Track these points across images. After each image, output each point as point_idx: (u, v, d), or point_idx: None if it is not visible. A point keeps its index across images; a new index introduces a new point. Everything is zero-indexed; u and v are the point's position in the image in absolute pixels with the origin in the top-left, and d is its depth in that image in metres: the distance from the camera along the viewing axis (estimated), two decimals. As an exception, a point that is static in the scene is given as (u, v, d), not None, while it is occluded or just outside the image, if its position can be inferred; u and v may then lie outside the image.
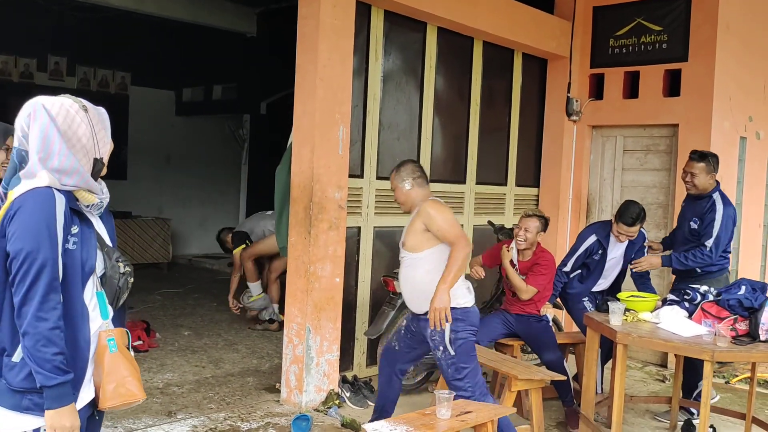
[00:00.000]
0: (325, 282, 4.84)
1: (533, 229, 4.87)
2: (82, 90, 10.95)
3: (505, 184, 6.84)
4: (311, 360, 4.79)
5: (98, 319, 2.19)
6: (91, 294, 2.18)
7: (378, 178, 5.53)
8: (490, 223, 6.05)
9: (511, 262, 4.91)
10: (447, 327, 3.71)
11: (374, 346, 5.29)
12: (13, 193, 2.05)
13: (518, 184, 6.99)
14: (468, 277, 5.27)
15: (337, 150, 4.87)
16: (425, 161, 5.91)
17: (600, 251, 5.08)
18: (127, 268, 2.31)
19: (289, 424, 4.49)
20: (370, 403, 4.94)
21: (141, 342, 6.17)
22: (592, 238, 5.09)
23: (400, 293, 4.92)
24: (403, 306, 5.02)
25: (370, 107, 5.42)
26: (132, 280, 2.32)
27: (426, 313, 3.76)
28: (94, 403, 2.19)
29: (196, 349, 6.32)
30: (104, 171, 2.28)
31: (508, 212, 6.84)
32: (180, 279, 10.10)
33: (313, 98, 4.75)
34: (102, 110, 2.26)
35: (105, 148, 2.24)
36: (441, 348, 3.77)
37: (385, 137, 5.58)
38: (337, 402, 4.87)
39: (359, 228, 5.44)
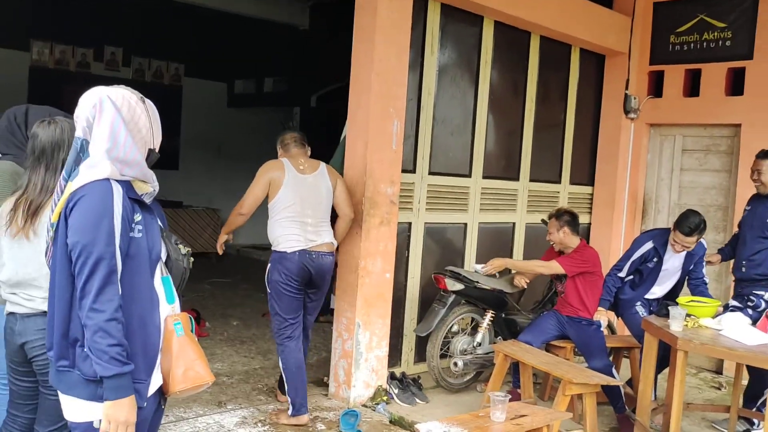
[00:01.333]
0: (375, 278, 4.81)
1: (553, 229, 4.82)
2: (137, 81, 11.14)
3: (559, 181, 6.71)
4: (360, 355, 4.77)
5: (165, 305, 2.19)
6: (159, 280, 2.19)
7: (430, 173, 5.47)
8: (543, 222, 5.92)
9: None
10: (269, 266, 4.35)
11: (422, 342, 5.24)
12: (72, 185, 2.05)
13: (572, 182, 6.84)
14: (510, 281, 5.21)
15: (390, 144, 4.82)
16: (478, 157, 5.83)
17: (655, 259, 4.92)
18: (187, 249, 2.32)
19: (337, 418, 4.47)
20: (418, 400, 4.90)
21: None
22: (649, 245, 4.93)
23: (452, 291, 4.88)
24: (454, 304, 4.97)
25: (424, 102, 5.36)
26: (191, 260, 2.34)
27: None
28: (161, 391, 2.20)
29: (244, 339, 6.36)
30: None
31: (561, 211, 6.70)
32: (229, 269, 10.20)
33: (368, 92, 4.71)
34: (151, 103, 2.27)
35: (158, 138, 2.25)
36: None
37: (439, 132, 5.52)
38: (385, 398, 4.84)
39: (410, 224, 5.39)
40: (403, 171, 5.11)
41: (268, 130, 12.27)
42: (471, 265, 5.40)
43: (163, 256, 2.23)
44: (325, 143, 7.59)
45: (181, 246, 2.31)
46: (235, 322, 6.98)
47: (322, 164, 4.45)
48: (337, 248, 4.70)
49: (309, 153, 4.52)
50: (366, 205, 4.73)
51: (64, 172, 2.16)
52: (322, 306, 6.77)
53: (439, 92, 5.49)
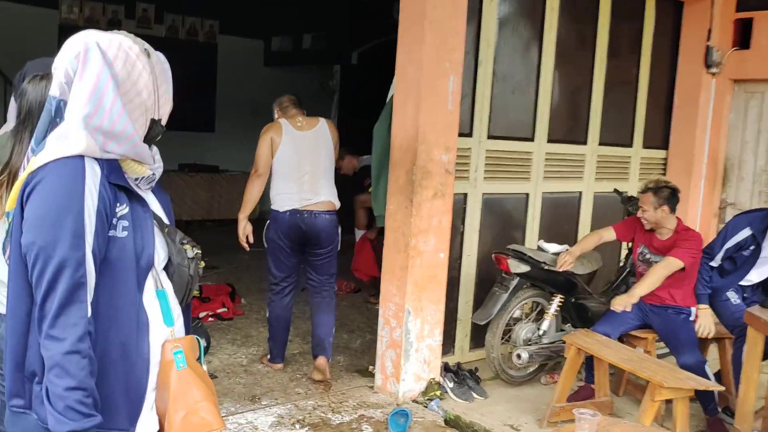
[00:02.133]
0: (427, 258, 4.22)
1: (648, 205, 4.09)
2: (170, 38, 10.63)
3: (630, 145, 5.97)
4: (410, 345, 4.21)
5: (161, 327, 1.64)
6: (152, 295, 1.64)
7: (489, 137, 4.82)
8: (616, 191, 5.26)
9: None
10: (267, 223, 4.44)
11: (479, 328, 4.65)
12: (35, 161, 1.50)
13: (645, 146, 6.10)
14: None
15: (445, 104, 4.18)
16: (543, 118, 5.14)
17: (752, 246, 4.21)
18: (196, 251, 1.76)
19: (384, 418, 3.94)
20: (475, 395, 4.34)
21: (225, 309, 5.76)
22: (746, 232, 4.20)
23: (515, 273, 4.28)
24: (518, 288, 4.37)
25: (482, 55, 4.68)
26: (203, 264, 1.78)
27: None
28: None
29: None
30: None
31: (633, 178, 5.98)
32: (267, 237, 9.68)
33: (420, 44, 4.06)
34: (163, 57, 1.68)
35: (166, 107, 1.66)
36: None
37: (499, 90, 4.84)
38: (438, 393, 4.29)
39: (465, 195, 4.76)
40: (459, 135, 4.46)
41: (307, 90, 11.69)
42: (537, 243, 4.77)
43: (160, 262, 1.67)
44: (368, 105, 6.97)
45: (188, 247, 1.73)
46: (272, 297, 6.48)
47: (322, 120, 4.51)
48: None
49: (305, 114, 4.56)
50: (417, 174, 4.11)
51: (32, 141, 1.60)
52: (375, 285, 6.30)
53: (500, 44, 4.80)
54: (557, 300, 4.48)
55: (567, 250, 4.45)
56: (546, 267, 4.36)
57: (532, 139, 5.11)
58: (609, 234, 4.40)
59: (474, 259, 4.86)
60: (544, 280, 4.43)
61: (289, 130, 4.38)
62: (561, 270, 4.26)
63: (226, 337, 5.23)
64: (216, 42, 11.34)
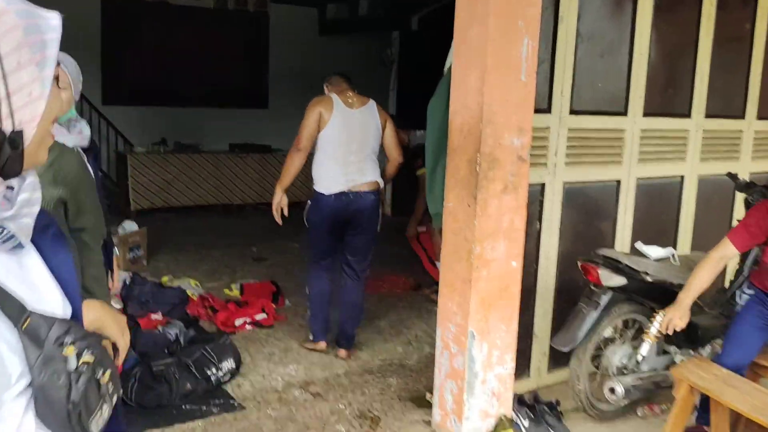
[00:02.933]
0: (496, 267, 3.39)
1: None
2: (219, 9, 9.96)
3: (742, 116, 4.94)
4: (475, 376, 3.41)
5: None
6: None
7: (572, 112, 3.92)
8: (730, 175, 4.26)
9: None
10: (308, 203, 4.35)
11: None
12: None
13: (760, 117, 5.05)
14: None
15: (518, 74, 3.30)
16: (638, 87, 4.19)
17: None
18: (88, 357, 0.98)
19: (443, 469, 3.18)
20: (556, 436, 3.51)
21: (265, 315, 5.06)
22: None
23: (608, 287, 3.41)
24: (611, 304, 3.50)
25: (563, 11, 3.77)
26: (107, 377, 1.01)
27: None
28: None
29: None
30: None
31: (745, 157, 4.96)
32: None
33: (484, -2, 3.19)
34: (51, 18, 0.92)
35: (35, 107, 0.91)
36: None
37: (584, 53, 3.92)
38: (510, 432, 3.49)
39: (542, 185, 3.90)
40: (534, 111, 3.57)
41: (364, 60, 10.87)
42: (633, 245, 3.88)
43: (13, 381, 0.92)
44: (431, 75, 6.14)
45: (69, 350, 0.96)
46: (321, 296, 5.76)
47: (372, 101, 4.41)
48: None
49: (356, 91, 4.43)
50: (482, 164, 3.26)
51: None
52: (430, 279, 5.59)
53: (585, -3, 3.87)
54: (660, 318, 3.56)
55: (675, 303, 3.34)
56: (647, 278, 3.46)
57: (624, 113, 4.18)
58: (729, 251, 3.32)
59: (553, 262, 4.00)
60: (645, 293, 3.53)
61: (339, 106, 4.26)
62: (669, 333, 3.30)
63: (263, 352, 4.54)
64: (267, 11, 10.66)
